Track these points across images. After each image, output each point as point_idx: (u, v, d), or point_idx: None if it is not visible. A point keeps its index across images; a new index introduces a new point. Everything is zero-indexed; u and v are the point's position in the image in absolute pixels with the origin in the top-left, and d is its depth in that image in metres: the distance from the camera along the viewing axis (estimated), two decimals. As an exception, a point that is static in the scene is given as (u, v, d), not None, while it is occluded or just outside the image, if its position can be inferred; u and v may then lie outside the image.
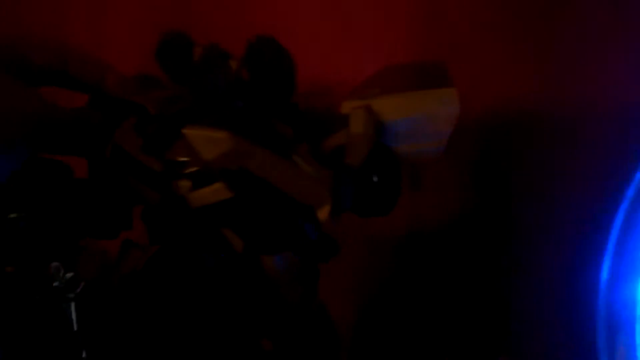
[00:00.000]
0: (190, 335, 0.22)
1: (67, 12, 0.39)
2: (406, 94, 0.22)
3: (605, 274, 0.20)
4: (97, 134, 0.19)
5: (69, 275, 0.21)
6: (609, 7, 0.29)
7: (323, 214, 0.17)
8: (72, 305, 0.24)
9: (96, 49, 0.38)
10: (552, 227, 0.30)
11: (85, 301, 0.22)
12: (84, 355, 0.25)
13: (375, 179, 0.19)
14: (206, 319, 0.21)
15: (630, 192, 0.21)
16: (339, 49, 0.33)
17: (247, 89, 0.17)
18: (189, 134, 0.16)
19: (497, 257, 0.31)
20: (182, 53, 0.20)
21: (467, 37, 0.32)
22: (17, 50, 0.18)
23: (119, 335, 0.25)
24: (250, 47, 0.19)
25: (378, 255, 0.34)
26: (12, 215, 0.17)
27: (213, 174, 0.18)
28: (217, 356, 0.22)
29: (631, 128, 0.28)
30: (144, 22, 0.37)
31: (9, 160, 0.16)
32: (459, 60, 0.30)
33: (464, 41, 0.31)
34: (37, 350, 0.22)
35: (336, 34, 0.33)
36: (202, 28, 0.35)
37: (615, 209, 0.21)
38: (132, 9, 0.38)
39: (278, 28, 0.34)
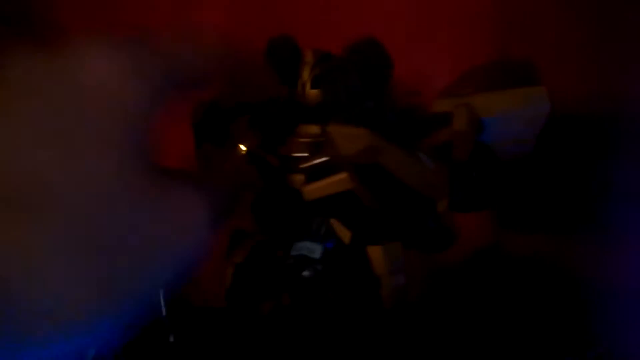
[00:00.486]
0: (292, 325, 0.24)
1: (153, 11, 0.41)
2: (499, 92, 0.23)
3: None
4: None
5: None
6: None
7: (442, 206, 0.18)
8: (161, 292, 0.26)
9: None
10: None
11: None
12: (171, 339, 0.27)
13: (474, 174, 0.20)
14: (309, 308, 0.22)
15: None
16: (417, 50, 0.34)
17: (376, 90, 0.18)
18: (332, 130, 0.17)
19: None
20: (291, 56, 0.21)
21: (546, 41, 0.32)
22: None
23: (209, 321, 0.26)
24: (356, 49, 0.20)
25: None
26: None
27: (325, 169, 0.19)
28: (319, 343, 0.23)
29: None
30: (231, 24, 0.39)
31: None
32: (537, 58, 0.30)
33: (543, 46, 0.32)
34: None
35: (414, 36, 0.34)
36: (290, 30, 0.37)
37: None
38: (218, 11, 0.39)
39: (360, 30, 0.35)
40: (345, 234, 0.20)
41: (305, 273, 0.22)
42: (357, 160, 0.17)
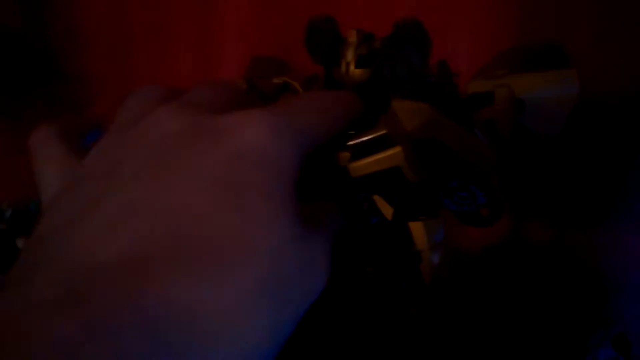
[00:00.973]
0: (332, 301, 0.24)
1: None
2: (531, 74, 0.23)
3: None
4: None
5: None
6: None
7: (494, 181, 0.19)
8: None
9: (209, 28, 0.41)
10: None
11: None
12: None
13: (517, 154, 0.21)
14: (352, 283, 0.23)
15: None
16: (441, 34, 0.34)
17: (439, 67, 0.18)
18: (395, 105, 0.18)
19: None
20: (334, 35, 0.22)
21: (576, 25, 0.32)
22: None
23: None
24: (403, 28, 0.20)
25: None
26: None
27: (371, 146, 0.20)
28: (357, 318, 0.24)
29: None
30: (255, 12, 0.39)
31: None
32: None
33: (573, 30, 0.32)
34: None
35: (439, 21, 0.35)
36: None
37: None
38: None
39: (379, 15, 0.35)
40: (388, 210, 0.21)
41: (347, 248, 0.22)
42: (418, 134, 0.18)
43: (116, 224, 0.14)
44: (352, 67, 0.21)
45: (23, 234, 0.44)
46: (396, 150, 0.19)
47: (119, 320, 0.12)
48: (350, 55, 0.21)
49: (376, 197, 0.21)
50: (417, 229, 0.21)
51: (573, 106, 0.25)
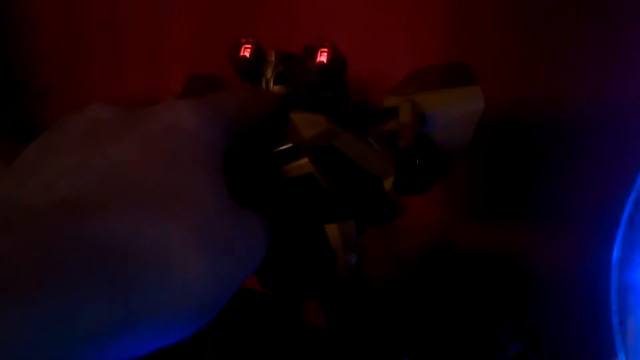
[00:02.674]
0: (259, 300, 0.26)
1: (125, 14, 0.43)
2: (439, 91, 0.26)
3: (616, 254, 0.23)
4: None
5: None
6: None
7: (388, 184, 0.21)
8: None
9: (155, 51, 0.42)
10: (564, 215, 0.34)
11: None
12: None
13: (417, 161, 0.23)
14: (274, 281, 0.24)
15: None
16: (374, 50, 0.37)
17: (333, 80, 0.20)
18: (294, 117, 0.20)
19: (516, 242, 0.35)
20: (256, 55, 0.24)
21: (491, 39, 0.36)
22: None
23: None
24: (313, 49, 0.22)
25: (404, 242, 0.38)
26: None
27: (298, 152, 0.21)
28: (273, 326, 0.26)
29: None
30: (197, 28, 0.41)
31: None
32: (483, 60, 0.34)
33: (488, 43, 0.35)
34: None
35: (372, 37, 0.37)
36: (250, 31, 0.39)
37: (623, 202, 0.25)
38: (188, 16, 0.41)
39: (318, 32, 0.38)
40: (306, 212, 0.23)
41: None
42: (316, 142, 0.20)
43: (56, 181, 0.15)
44: (271, 84, 0.23)
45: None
46: (305, 159, 0.21)
47: (58, 241, 0.13)
48: (269, 73, 0.23)
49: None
50: (331, 230, 0.23)
51: (478, 120, 0.27)
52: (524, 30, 0.35)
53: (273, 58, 0.23)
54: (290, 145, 0.21)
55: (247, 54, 0.23)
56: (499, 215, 0.36)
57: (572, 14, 0.33)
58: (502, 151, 0.36)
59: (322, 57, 0.22)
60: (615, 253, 0.22)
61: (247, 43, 0.24)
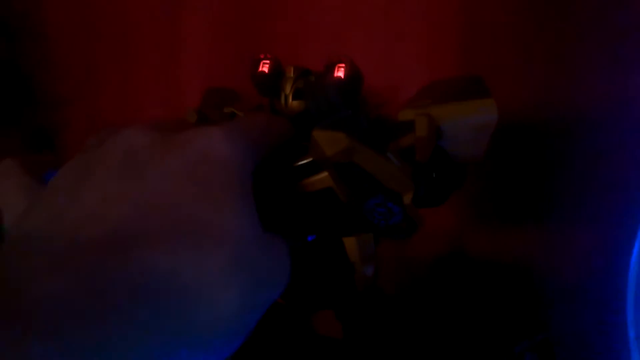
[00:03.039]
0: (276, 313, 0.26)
1: (140, 25, 0.44)
2: (453, 104, 0.26)
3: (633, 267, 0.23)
4: None
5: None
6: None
7: (408, 199, 0.21)
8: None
9: (171, 63, 0.43)
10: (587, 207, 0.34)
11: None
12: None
13: (434, 175, 0.23)
14: (293, 293, 0.25)
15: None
16: (390, 63, 0.37)
17: (352, 98, 0.21)
18: (316, 134, 0.20)
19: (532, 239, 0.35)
20: (275, 71, 0.24)
21: (503, 52, 0.36)
22: None
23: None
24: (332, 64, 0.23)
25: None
26: None
27: (317, 166, 0.22)
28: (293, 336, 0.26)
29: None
30: (214, 40, 0.42)
31: None
32: (496, 72, 0.35)
33: (499, 55, 0.36)
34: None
35: (387, 51, 0.38)
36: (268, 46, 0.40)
37: None
38: (205, 29, 0.42)
39: (334, 47, 0.38)
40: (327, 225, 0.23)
41: None
42: (337, 159, 0.20)
43: (97, 212, 0.16)
44: (290, 99, 0.24)
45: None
46: (325, 173, 0.21)
47: (105, 277, 0.14)
48: (288, 88, 0.24)
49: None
50: (350, 244, 0.23)
51: (492, 132, 0.27)
52: (539, 36, 0.35)
53: (292, 74, 0.24)
54: (310, 159, 0.21)
55: (265, 69, 0.24)
56: (511, 223, 0.36)
57: (592, 13, 0.34)
58: (514, 157, 0.37)
59: (340, 73, 0.23)
60: (633, 266, 0.22)
61: (266, 59, 0.24)
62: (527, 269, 0.34)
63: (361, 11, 0.39)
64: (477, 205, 0.38)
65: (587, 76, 0.34)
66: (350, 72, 0.22)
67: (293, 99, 0.23)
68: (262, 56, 0.24)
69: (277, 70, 0.24)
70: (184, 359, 0.15)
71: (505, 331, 0.31)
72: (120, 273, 0.14)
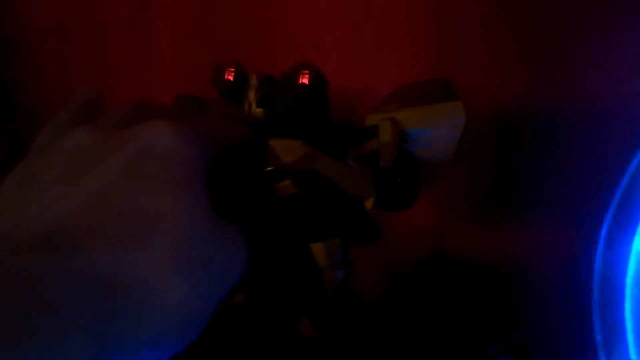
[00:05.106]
0: (245, 321, 0.26)
1: (112, 33, 0.44)
2: (420, 107, 0.26)
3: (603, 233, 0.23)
4: None
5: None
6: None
7: (369, 204, 0.21)
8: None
9: (143, 72, 0.43)
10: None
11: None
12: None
13: (399, 179, 0.23)
14: (259, 302, 0.25)
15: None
16: (362, 67, 0.37)
17: (311, 106, 0.21)
18: (272, 143, 0.20)
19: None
20: (239, 77, 0.24)
21: (475, 52, 0.36)
22: None
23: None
24: (294, 71, 0.23)
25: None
26: None
27: (281, 175, 0.22)
28: (265, 340, 0.26)
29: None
30: (184, 48, 0.41)
31: None
32: (468, 72, 0.35)
33: (474, 57, 0.36)
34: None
35: (356, 55, 0.38)
36: (239, 51, 0.40)
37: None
38: (177, 34, 0.42)
39: (307, 52, 0.38)
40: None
41: None
42: (295, 167, 0.20)
43: (40, 214, 0.15)
44: (253, 106, 0.23)
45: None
46: (288, 181, 0.21)
47: (42, 279, 0.13)
48: (252, 96, 0.23)
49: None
50: (317, 249, 0.23)
51: (461, 134, 0.27)
52: (510, 40, 0.35)
53: (255, 81, 0.23)
54: (272, 167, 0.21)
55: (230, 77, 0.24)
56: (487, 223, 0.36)
57: (561, 14, 0.34)
58: (490, 157, 0.37)
59: (304, 80, 0.22)
60: (596, 270, 0.22)
61: (230, 66, 0.24)
62: (505, 270, 0.34)
63: (332, 14, 0.38)
64: (454, 206, 0.38)
65: (557, 73, 0.34)
66: (312, 80, 0.22)
67: (257, 106, 0.23)
68: (226, 63, 0.24)
69: (241, 78, 0.24)
70: (141, 357, 0.15)
71: (480, 334, 0.32)
72: (59, 274, 0.14)
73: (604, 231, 0.23)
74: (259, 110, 0.23)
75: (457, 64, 0.37)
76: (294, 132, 0.20)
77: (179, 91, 0.33)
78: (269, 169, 0.21)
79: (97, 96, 0.24)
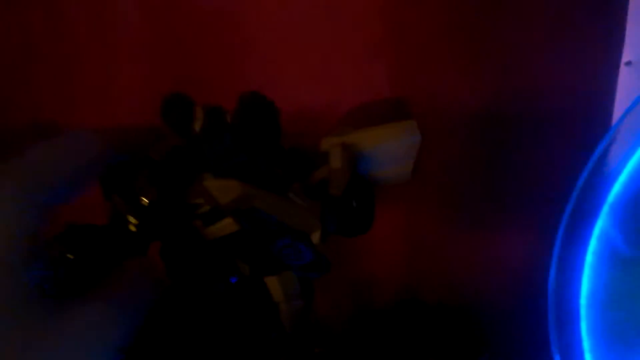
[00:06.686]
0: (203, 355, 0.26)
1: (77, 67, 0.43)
2: (374, 128, 0.26)
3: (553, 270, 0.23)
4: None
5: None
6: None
7: (316, 237, 0.21)
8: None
9: (106, 103, 0.42)
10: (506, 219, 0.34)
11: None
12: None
13: (354, 204, 0.23)
14: (217, 338, 0.24)
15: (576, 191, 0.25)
16: (319, 91, 0.37)
17: (249, 143, 0.20)
18: (206, 184, 0.20)
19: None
20: (184, 111, 0.23)
21: (432, 66, 0.36)
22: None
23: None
24: (239, 103, 0.22)
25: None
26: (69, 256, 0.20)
27: (221, 212, 0.21)
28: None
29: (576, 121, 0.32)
30: (146, 72, 0.41)
31: None
32: (427, 87, 0.34)
33: (431, 70, 0.35)
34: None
35: (318, 77, 0.37)
36: (199, 80, 0.39)
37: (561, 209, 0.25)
38: (139, 65, 0.41)
39: (267, 77, 0.38)
40: (245, 268, 0.23)
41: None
42: (233, 206, 0.20)
43: None
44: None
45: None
46: (230, 219, 0.21)
47: None
48: (197, 129, 0.23)
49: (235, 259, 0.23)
50: (272, 283, 0.23)
51: (417, 153, 0.27)
52: (465, 50, 0.35)
53: (201, 114, 0.23)
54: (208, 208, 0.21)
55: (175, 112, 0.23)
56: (448, 240, 0.36)
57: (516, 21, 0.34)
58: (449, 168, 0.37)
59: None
60: (550, 292, 0.22)
61: (176, 100, 0.24)
62: (469, 294, 0.34)
63: (292, 37, 0.38)
64: (416, 225, 0.38)
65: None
66: (254, 110, 0.22)
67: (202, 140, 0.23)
68: (171, 98, 0.24)
69: (186, 112, 0.23)
70: None
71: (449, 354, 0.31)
72: None
73: (555, 252, 0.23)
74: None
75: (415, 76, 0.37)
76: (228, 171, 0.20)
77: (140, 117, 0.32)
78: (204, 209, 0.21)
79: None
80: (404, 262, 0.38)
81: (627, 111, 0.24)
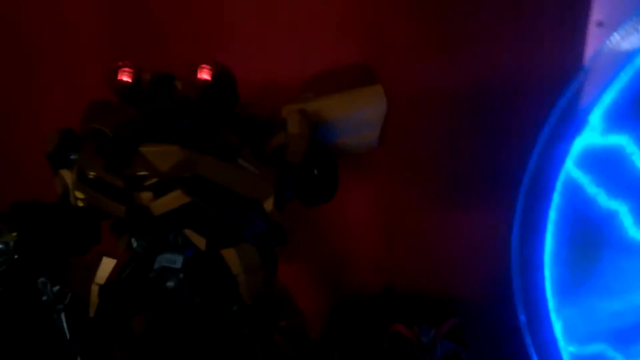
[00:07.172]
0: (167, 333, 0.25)
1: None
2: (338, 95, 0.25)
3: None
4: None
5: (56, 288, 0.23)
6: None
7: (268, 205, 0.20)
8: (63, 315, 0.26)
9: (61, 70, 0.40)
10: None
11: (74, 310, 0.24)
12: (78, 360, 0.27)
13: (316, 172, 0.22)
14: (180, 315, 0.23)
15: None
16: (285, 59, 0.36)
17: (193, 107, 0.19)
18: (144, 150, 0.19)
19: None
20: (132, 79, 0.22)
21: (398, 47, 0.35)
22: None
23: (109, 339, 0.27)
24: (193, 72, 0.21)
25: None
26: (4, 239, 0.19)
27: (171, 183, 0.20)
28: (196, 347, 0.25)
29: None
30: (103, 44, 0.39)
31: None
32: (391, 67, 0.33)
33: (397, 51, 0.34)
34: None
35: (282, 45, 0.36)
36: (157, 49, 0.37)
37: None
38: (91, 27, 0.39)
39: (227, 42, 0.36)
40: (200, 241, 0.22)
41: (170, 284, 0.23)
42: (174, 174, 0.19)
43: None
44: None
45: None
46: (178, 191, 0.20)
47: None
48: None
49: (189, 232, 0.22)
50: (230, 255, 0.22)
51: (384, 118, 0.26)
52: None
53: (147, 78, 0.22)
54: (156, 180, 0.20)
55: (124, 77, 0.22)
56: (424, 213, 0.36)
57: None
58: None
59: (204, 75, 0.21)
60: (514, 252, 0.22)
61: (125, 66, 0.22)
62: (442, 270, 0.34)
63: (260, 10, 0.36)
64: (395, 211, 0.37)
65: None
66: (210, 77, 0.21)
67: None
68: (120, 63, 0.23)
69: (138, 78, 0.22)
70: None
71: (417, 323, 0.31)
72: None
73: (518, 210, 0.22)
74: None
75: (379, 52, 0.36)
76: (169, 136, 0.19)
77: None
78: (152, 181, 0.20)
79: None
80: (381, 241, 0.37)
81: (597, 54, 0.23)
